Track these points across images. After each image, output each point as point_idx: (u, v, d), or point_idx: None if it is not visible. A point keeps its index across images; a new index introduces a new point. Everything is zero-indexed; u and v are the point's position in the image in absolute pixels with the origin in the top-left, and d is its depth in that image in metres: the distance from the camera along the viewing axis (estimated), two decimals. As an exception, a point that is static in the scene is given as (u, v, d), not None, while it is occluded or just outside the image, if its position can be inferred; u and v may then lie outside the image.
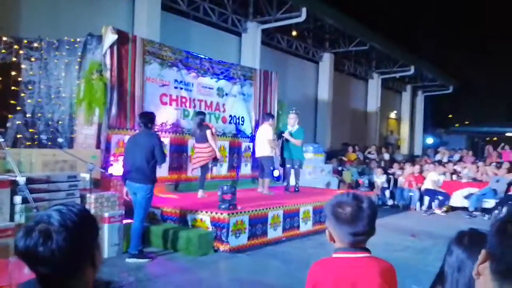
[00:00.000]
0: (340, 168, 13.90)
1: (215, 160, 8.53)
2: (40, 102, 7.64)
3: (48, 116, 7.65)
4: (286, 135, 9.38)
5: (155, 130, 6.15)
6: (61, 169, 6.38)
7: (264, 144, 8.96)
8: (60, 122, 7.72)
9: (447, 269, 1.41)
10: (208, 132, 8.13)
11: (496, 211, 10.90)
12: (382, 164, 14.52)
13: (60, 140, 7.52)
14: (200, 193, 8.09)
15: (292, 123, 9.54)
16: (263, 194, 8.90)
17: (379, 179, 13.03)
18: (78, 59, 7.80)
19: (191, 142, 9.28)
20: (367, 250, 1.93)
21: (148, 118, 6.01)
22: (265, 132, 9.07)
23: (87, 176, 5.89)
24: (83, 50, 7.81)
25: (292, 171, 9.62)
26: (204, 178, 8.42)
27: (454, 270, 1.36)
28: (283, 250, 6.86)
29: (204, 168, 8.38)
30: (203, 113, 8.68)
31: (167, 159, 8.81)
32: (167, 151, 8.77)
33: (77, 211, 1.30)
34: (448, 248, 1.44)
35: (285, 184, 9.78)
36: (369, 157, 16.11)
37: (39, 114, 7.60)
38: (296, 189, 9.60)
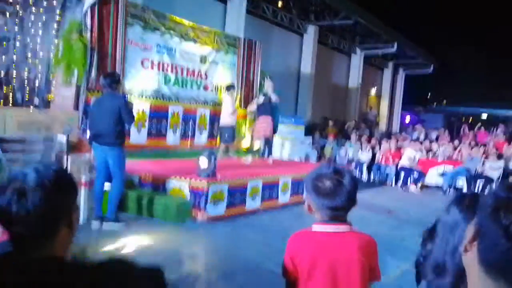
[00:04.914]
0: (322, 142, 13.94)
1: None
2: (16, 60, 7.36)
3: (24, 75, 7.38)
4: (270, 93, 9.63)
5: (122, 92, 5.91)
6: (37, 130, 6.21)
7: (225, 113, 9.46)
8: (37, 82, 7.47)
9: (440, 226, 1.38)
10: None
11: (469, 190, 11.17)
12: (362, 139, 14.60)
13: (36, 100, 7.29)
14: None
15: (271, 91, 9.72)
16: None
17: (357, 153, 13.13)
18: (57, 18, 7.51)
19: (172, 108, 9.17)
20: (348, 223, 1.90)
21: (112, 79, 5.71)
22: (225, 102, 9.58)
23: (64, 138, 5.75)
24: (62, 8, 7.52)
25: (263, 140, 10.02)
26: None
27: (447, 229, 1.34)
28: (261, 220, 6.88)
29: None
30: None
31: (146, 124, 8.69)
32: (146, 116, 8.65)
33: (55, 170, 1.23)
34: (446, 208, 1.42)
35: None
36: (348, 132, 16.20)
37: (14, 73, 7.32)
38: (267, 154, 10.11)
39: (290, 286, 1.93)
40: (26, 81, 7.39)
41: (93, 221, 5.69)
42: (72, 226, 1.28)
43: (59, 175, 1.23)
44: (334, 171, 1.83)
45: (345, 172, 1.85)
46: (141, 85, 8.51)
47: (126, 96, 5.88)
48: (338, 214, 1.85)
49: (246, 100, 11.00)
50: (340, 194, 1.79)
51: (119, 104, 5.52)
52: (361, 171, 12.84)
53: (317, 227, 1.90)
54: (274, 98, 9.67)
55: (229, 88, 9.65)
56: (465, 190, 11.44)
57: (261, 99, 9.72)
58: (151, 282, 1.49)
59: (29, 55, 7.38)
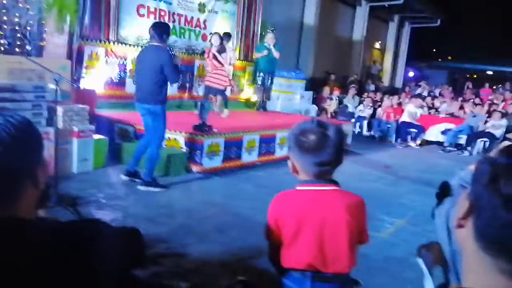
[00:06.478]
0: (328, 96, 13.71)
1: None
2: (5, 4, 7.06)
3: (15, 20, 7.11)
4: (272, 48, 10.00)
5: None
6: (28, 79, 6.03)
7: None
8: (28, 28, 7.21)
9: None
10: None
11: (469, 148, 11.08)
12: (364, 95, 14.39)
13: (28, 47, 7.07)
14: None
15: (271, 42, 10.03)
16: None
17: (357, 108, 12.99)
18: (48, -41, 7.16)
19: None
20: (335, 183, 1.79)
21: (162, 29, 5.24)
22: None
23: (56, 87, 5.58)
24: (53, -51, 7.15)
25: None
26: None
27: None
28: (257, 174, 6.83)
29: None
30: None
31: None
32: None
33: (16, 122, 1.10)
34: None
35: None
36: (350, 87, 15.93)
37: (4, 18, 7.05)
38: (264, 108, 10.38)
39: (274, 249, 1.84)
40: (17, 26, 7.13)
41: (122, 176, 5.58)
42: (38, 185, 1.17)
43: (21, 128, 1.10)
44: (318, 125, 1.73)
45: (330, 125, 1.75)
46: (136, 33, 8.24)
47: (172, 50, 5.51)
48: (324, 170, 1.75)
49: (246, 52, 10.73)
50: (326, 147, 1.69)
51: (163, 58, 5.07)
52: (361, 127, 12.73)
53: (301, 188, 1.80)
54: (276, 54, 9.92)
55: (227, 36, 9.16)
56: (468, 148, 11.29)
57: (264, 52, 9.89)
58: (126, 242, 1.40)
59: (20, -1, 7.08)
